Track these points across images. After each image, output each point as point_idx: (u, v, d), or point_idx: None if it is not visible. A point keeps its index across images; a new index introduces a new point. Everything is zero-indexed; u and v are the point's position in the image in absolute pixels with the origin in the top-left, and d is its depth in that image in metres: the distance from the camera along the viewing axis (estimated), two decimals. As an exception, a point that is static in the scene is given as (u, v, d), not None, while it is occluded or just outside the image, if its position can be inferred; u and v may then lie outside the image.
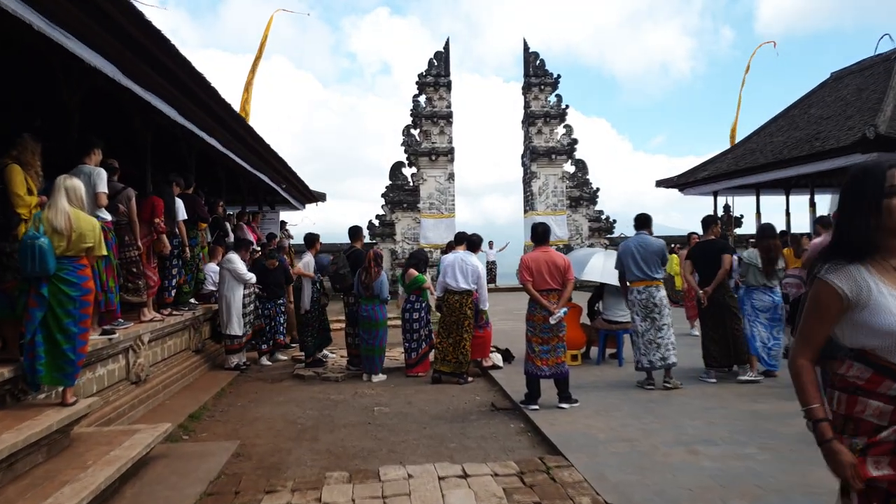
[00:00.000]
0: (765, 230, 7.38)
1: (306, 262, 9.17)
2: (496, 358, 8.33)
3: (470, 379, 7.75)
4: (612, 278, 8.08)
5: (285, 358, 9.82)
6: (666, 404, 6.20)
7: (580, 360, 8.39)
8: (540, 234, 6.41)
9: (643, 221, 7.26)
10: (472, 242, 7.98)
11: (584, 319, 8.79)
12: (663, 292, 7.09)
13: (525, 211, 24.30)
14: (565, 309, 6.08)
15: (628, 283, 7.09)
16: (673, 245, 17.97)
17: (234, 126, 8.89)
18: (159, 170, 8.67)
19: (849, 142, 13.58)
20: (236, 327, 8.60)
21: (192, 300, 9.29)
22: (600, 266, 8.11)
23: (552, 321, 6.00)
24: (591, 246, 22.42)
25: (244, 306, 9.02)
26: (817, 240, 7.99)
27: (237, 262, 8.66)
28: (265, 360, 9.48)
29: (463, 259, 7.64)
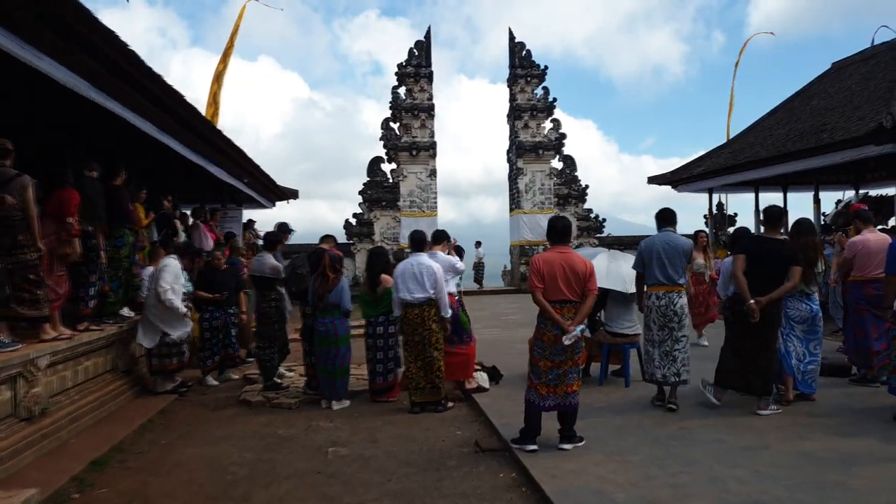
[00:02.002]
0: (802, 226, 6.17)
1: (273, 266, 7.69)
2: (481, 378, 7.06)
3: (450, 405, 6.47)
4: (617, 283, 6.86)
5: (237, 377, 8.47)
6: (691, 442, 4.96)
7: (580, 379, 7.13)
8: (560, 231, 5.07)
9: (668, 217, 6.07)
10: (414, 241, 6.65)
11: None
12: (685, 299, 5.92)
13: (511, 209, 23.11)
14: (582, 326, 4.85)
15: (646, 288, 5.97)
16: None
17: (172, 105, 7.52)
18: (100, 161, 7.31)
19: (861, 132, 12.45)
20: (176, 337, 7.23)
21: (127, 310, 7.94)
22: (604, 269, 6.86)
23: (566, 341, 4.74)
24: (579, 246, 21.27)
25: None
26: (857, 237, 6.83)
27: (165, 273, 7.15)
28: (211, 380, 8.13)
29: (413, 263, 6.32)
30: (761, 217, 6.53)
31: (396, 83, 21.93)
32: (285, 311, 7.54)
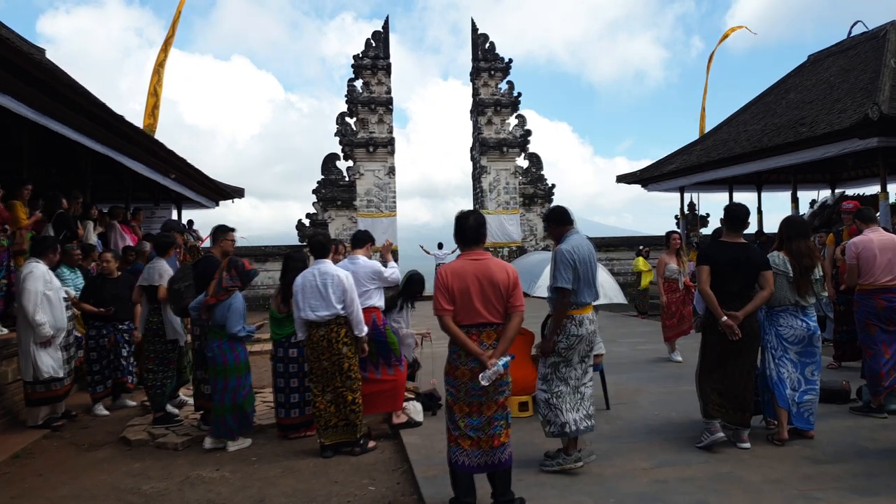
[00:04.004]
0: (794, 225, 5.05)
1: (160, 272, 6.40)
2: (413, 409, 5.84)
3: (371, 444, 5.26)
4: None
5: (134, 404, 7.15)
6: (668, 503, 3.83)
7: (531, 408, 5.99)
8: (471, 230, 3.74)
9: (567, 216, 4.56)
10: (313, 246, 5.39)
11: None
12: None
13: (475, 209, 21.98)
14: (506, 359, 3.59)
15: (575, 310, 4.36)
16: (641, 247, 16.13)
17: (47, 80, 6.22)
18: None
19: (845, 125, 11.57)
20: (47, 367, 5.91)
21: (-2, 327, 6.62)
22: (559, 277, 5.70)
23: (483, 381, 3.52)
24: (545, 248, 20.21)
25: (66, 334, 6.38)
26: (857, 238, 5.78)
27: (27, 283, 5.81)
28: (100, 409, 6.82)
29: (315, 274, 5.06)
30: (722, 217, 5.44)
31: (353, 75, 20.69)
32: (179, 328, 6.26)
